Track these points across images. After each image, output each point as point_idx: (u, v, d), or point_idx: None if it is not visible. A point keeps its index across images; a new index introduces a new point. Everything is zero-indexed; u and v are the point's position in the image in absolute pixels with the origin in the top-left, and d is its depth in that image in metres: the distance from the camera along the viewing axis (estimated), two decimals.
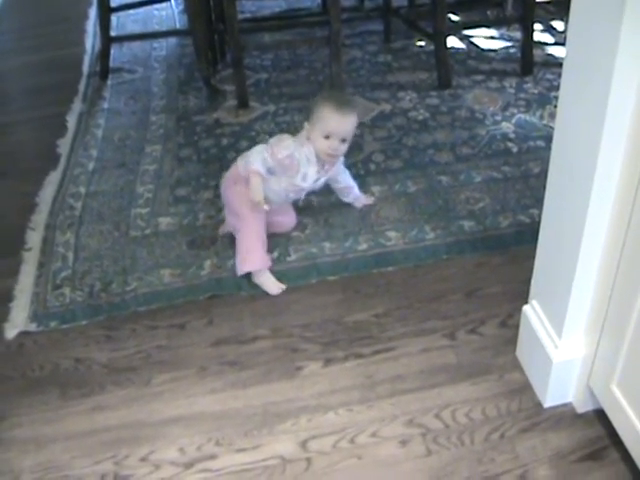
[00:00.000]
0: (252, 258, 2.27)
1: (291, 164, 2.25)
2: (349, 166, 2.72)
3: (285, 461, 1.77)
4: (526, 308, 1.88)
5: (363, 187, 2.69)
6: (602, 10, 1.31)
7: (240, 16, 3.50)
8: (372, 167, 2.83)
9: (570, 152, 1.53)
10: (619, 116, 1.36)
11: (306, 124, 2.28)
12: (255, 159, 2.23)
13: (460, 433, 1.80)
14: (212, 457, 1.79)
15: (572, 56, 1.46)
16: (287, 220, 2.50)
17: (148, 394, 1.98)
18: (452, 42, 3.72)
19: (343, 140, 2.25)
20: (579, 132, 1.47)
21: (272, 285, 2.29)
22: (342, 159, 2.43)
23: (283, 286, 2.29)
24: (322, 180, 2.38)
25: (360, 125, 3.05)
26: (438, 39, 3.31)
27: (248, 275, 2.31)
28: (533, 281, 1.84)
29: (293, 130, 2.97)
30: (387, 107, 3.26)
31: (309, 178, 2.31)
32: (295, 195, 2.39)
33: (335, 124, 2.21)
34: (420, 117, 3.16)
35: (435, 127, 3.07)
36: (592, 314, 1.67)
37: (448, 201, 2.60)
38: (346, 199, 2.60)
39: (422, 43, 3.81)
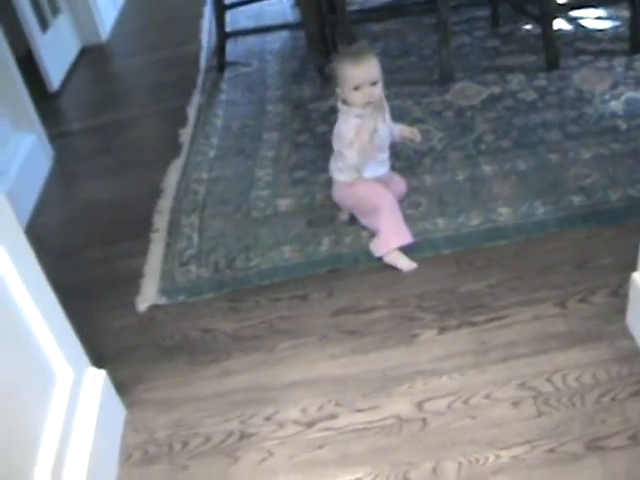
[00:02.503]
0: (400, 233, 2.38)
1: (360, 130, 2.31)
2: (461, 146, 2.80)
3: (402, 420, 1.85)
4: (635, 275, 1.91)
5: (475, 167, 2.75)
6: None
7: (349, 8, 3.59)
8: (483, 147, 2.87)
9: None
10: None
11: (337, 90, 2.36)
12: (345, 144, 2.36)
13: (571, 396, 1.84)
14: (333, 417, 1.89)
15: None
16: (399, 187, 2.59)
17: (272, 360, 2.09)
18: (559, 24, 3.71)
19: (373, 84, 2.31)
20: None
21: (405, 262, 2.36)
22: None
23: (414, 264, 2.35)
24: (389, 122, 2.46)
25: (470, 107, 3.12)
26: (545, 21, 3.32)
27: (365, 245, 2.42)
28: None
29: (405, 114, 3.06)
30: (496, 89, 3.29)
31: (380, 129, 2.37)
32: (383, 148, 2.46)
33: (357, 75, 2.29)
34: (529, 98, 3.18)
35: (543, 107, 3.09)
36: None
37: (558, 177, 2.63)
38: (396, 140, 2.58)
39: (529, 26, 3.81)
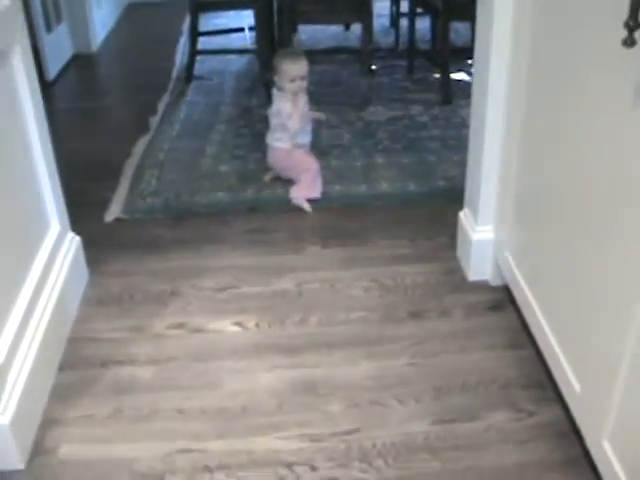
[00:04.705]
0: (315, 189, 3.06)
1: (296, 104, 3.04)
2: (363, 145, 3.48)
3: (284, 292, 2.48)
4: (460, 213, 2.58)
5: (370, 158, 3.43)
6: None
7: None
8: (380, 147, 3.56)
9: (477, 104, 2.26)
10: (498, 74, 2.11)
11: (275, 78, 3.06)
12: (285, 116, 3.05)
13: (406, 288, 2.48)
14: (236, 287, 2.51)
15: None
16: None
17: (198, 255, 2.71)
18: (461, 76, 4.45)
19: (302, 78, 3.02)
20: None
21: (307, 205, 3.01)
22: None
23: (311, 209, 3.01)
24: (306, 108, 3.14)
25: (376, 122, 3.81)
26: (442, 68, 4.07)
27: (279, 196, 3.07)
28: (465, 194, 2.54)
29: (326, 122, 3.70)
30: (399, 113, 3.99)
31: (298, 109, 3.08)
32: (307, 121, 3.16)
33: (294, 70, 3.00)
34: (422, 120, 3.88)
35: (432, 127, 3.80)
36: (498, 208, 2.36)
37: (430, 170, 3.31)
38: None
39: (437, 75, 4.53)
